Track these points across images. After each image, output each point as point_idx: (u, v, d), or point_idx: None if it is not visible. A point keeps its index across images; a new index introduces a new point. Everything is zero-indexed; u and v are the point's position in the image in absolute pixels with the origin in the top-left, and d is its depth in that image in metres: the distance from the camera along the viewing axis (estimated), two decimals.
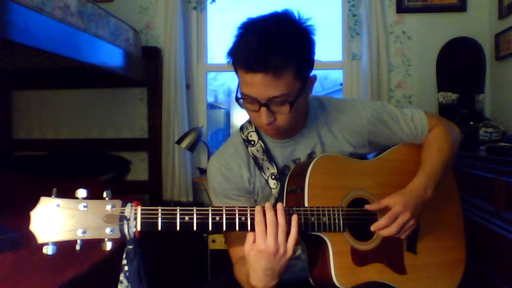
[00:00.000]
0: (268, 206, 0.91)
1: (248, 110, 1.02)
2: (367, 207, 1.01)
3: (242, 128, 1.16)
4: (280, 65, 0.90)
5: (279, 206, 0.91)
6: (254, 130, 1.13)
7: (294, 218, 0.91)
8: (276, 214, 0.90)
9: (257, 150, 1.10)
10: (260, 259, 0.89)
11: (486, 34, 2.54)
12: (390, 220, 0.97)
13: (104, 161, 2.78)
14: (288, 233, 0.90)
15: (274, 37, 0.92)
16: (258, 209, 0.90)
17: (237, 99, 1.01)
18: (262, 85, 0.92)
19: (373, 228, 1.00)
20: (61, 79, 2.75)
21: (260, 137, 1.12)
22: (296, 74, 0.94)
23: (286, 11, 0.97)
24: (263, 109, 0.96)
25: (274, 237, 0.88)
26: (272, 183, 1.08)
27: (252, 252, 0.89)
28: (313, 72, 1.03)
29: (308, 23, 0.98)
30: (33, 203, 0.79)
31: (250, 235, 0.90)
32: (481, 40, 2.50)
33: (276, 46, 0.91)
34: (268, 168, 1.08)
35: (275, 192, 1.07)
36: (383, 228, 0.98)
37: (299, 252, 1.12)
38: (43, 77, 2.76)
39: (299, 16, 0.97)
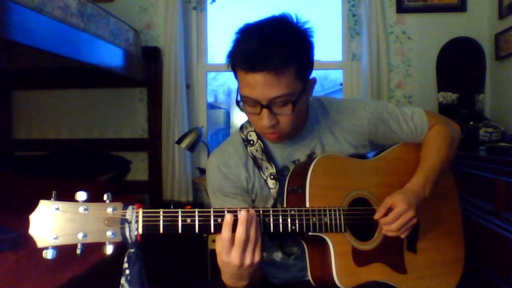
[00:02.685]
0: (241, 220, 0.84)
1: (249, 114, 1.01)
2: (375, 217, 1.01)
3: (242, 127, 1.16)
4: (280, 64, 0.90)
5: (254, 219, 0.86)
6: (253, 129, 1.13)
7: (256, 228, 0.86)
8: (248, 228, 0.84)
9: (256, 150, 1.10)
10: (224, 268, 0.88)
11: (486, 34, 2.54)
12: (395, 218, 0.97)
13: (104, 161, 2.78)
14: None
15: (274, 38, 0.92)
16: (227, 221, 0.84)
17: (237, 103, 1.00)
18: (263, 85, 0.92)
19: (376, 217, 1.00)
20: (61, 79, 2.75)
21: (259, 137, 1.11)
22: (297, 74, 0.94)
23: (284, 15, 0.97)
24: (265, 111, 0.95)
25: (240, 252, 0.84)
26: (271, 183, 1.07)
27: (218, 257, 0.87)
28: (313, 72, 1.03)
29: (306, 25, 0.98)
30: (33, 203, 0.78)
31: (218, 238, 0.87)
32: (481, 40, 2.50)
33: (276, 46, 0.91)
34: (267, 168, 1.08)
35: (273, 192, 1.07)
36: (387, 224, 0.98)
37: (298, 252, 1.12)
38: (43, 77, 2.76)
39: (297, 19, 0.97)
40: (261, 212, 0.90)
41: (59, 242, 0.77)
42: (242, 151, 1.12)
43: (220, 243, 0.85)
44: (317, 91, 3.68)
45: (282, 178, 1.07)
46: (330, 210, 0.96)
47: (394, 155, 1.15)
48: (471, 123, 2.17)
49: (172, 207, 2.50)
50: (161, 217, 0.83)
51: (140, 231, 0.81)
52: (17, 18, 1.34)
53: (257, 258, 0.86)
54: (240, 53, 0.94)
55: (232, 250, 0.84)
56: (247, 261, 0.85)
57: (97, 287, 1.86)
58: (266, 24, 0.96)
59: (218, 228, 0.86)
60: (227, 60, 0.98)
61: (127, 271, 0.82)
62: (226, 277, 0.92)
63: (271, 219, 0.90)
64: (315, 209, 0.95)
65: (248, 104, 0.98)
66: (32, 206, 0.77)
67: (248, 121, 1.16)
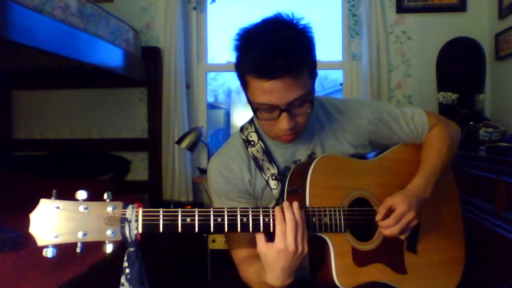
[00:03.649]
0: (286, 205, 0.90)
1: (264, 121, 1.01)
2: (376, 219, 1.00)
3: (242, 128, 1.16)
4: (297, 66, 0.91)
5: (296, 204, 0.91)
6: (254, 130, 1.13)
7: (301, 215, 0.91)
8: (294, 213, 0.89)
9: (257, 151, 1.10)
10: (279, 258, 0.88)
11: (486, 34, 2.54)
12: (396, 220, 0.97)
13: (104, 161, 2.79)
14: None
15: (284, 42, 0.91)
16: (278, 209, 0.90)
17: (254, 112, 0.99)
18: (283, 90, 0.92)
19: (378, 218, 0.99)
20: (61, 79, 2.75)
21: (260, 138, 1.11)
22: (309, 72, 0.96)
23: (280, 15, 0.97)
24: (284, 115, 0.95)
25: (294, 236, 0.88)
26: (273, 183, 1.07)
27: (270, 252, 0.89)
28: None
29: (304, 22, 0.98)
30: (33, 203, 0.78)
31: (260, 236, 0.90)
32: (481, 40, 2.50)
33: (287, 49, 0.91)
34: (268, 169, 1.08)
35: (275, 192, 1.07)
36: (388, 227, 0.97)
37: None
38: (43, 77, 2.76)
39: (293, 17, 0.97)
40: (261, 211, 0.90)
41: (59, 240, 0.77)
42: (243, 153, 1.12)
43: (277, 228, 0.88)
44: (317, 91, 3.66)
45: (284, 179, 1.07)
46: (330, 210, 0.96)
47: (394, 155, 1.15)
48: (471, 123, 2.17)
49: (172, 207, 2.50)
50: (161, 216, 0.83)
51: (140, 230, 0.82)
52: (17, 18, 1.34)
53: (306, 247, 0.90)
54: (252, 62, 0.92)
55: (287, 235, 0.88)
56: (300, 247, 0.88)
57: (97, 286, 1.86)
58: (270, 28, 0.94)
59: (218, 227, 0.87)
60: (235, 71, 0.98)
61: (127, 270, 0.82)
62: (275, 277, 0.91)
63: (271, 219, 0.90)
64: (315, 209, 0.95)
65: (265, 110, 0.97)
66: (32, 206, 0.78)
67: (248, 122, 1.16)
